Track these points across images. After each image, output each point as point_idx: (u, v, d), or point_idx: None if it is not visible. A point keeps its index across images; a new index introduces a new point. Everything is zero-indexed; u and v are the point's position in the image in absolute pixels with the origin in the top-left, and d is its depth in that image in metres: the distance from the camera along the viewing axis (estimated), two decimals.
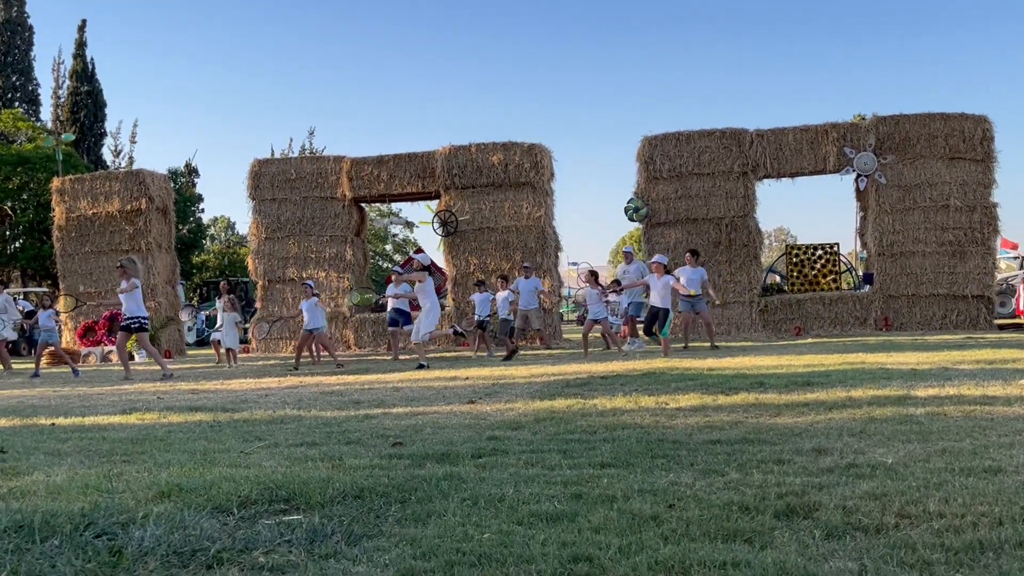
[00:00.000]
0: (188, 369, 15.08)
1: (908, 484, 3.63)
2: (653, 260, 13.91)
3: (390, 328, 16.20)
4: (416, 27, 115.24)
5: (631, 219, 18.84)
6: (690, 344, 15.10)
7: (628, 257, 17.58)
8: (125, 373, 13.22)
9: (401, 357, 15.44)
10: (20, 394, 10.66)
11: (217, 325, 17.14)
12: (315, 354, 15.62)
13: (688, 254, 15.35)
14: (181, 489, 3.80)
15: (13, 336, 16.98)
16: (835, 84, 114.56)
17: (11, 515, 3.33)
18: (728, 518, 3.20)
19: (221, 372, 13.76)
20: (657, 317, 13.43)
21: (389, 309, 16.11)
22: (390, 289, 16.18)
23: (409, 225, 42.76)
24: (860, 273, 20.03)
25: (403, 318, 15.45)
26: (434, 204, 19.64)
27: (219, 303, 16.88)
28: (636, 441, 4.99)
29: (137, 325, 13.34)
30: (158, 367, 13.66)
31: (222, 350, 16.27)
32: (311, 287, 15.32)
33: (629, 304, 16.45)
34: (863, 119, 18.79)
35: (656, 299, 13.43)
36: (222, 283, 18.35)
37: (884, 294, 17.96)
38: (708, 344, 14.81)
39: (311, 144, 48.34)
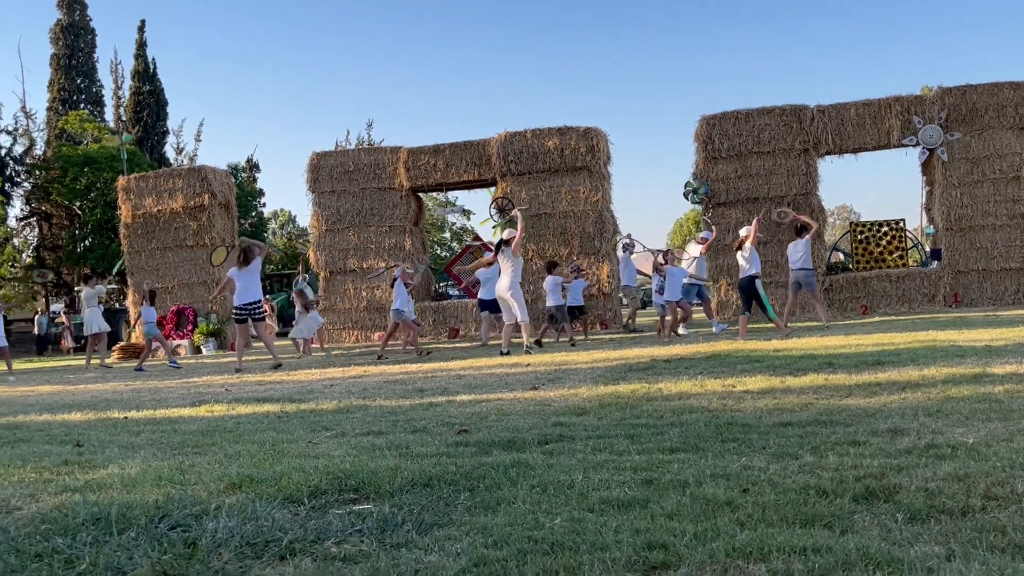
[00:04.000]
0: (254, 361, 15.31)
1: (992, 464, 3.50)
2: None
3: (481, 312, 16.06)
4: (468, 17, 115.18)
5: (690, 200, 18.61)
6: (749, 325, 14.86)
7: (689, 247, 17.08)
8: (238, 364, 12.88)
9: (490, 343, 15.37)
10: (94, 388, 10.93)
11: None
12: (415, 343, 14.50)
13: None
14: (252, 480, 3.83)
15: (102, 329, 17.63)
16: (898, 56, 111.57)
17: (89, 508, 3.38)
18: (805, 502, 3.12)
19: (287, 364, 13.90)
20: (747, 291, 12.59)
21: (478, 297, 15.99)
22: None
23: (466, 213, 42.90)
24: (927, 249, 19.54)
25: (490, 307, 15.05)
26: (492, 214, 19.21)
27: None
28: (705, 425, 4.90)
29: (258, 314, 13.16)
30: (235, 360, 13.47)
31: (299, 340, 16.77)
32: (399, 270, 14.88)
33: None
34: (930, 91, 18.28)
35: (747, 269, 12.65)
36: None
37: (953, 270, 17.51)
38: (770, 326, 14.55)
39: (369, 136, 48.75)
